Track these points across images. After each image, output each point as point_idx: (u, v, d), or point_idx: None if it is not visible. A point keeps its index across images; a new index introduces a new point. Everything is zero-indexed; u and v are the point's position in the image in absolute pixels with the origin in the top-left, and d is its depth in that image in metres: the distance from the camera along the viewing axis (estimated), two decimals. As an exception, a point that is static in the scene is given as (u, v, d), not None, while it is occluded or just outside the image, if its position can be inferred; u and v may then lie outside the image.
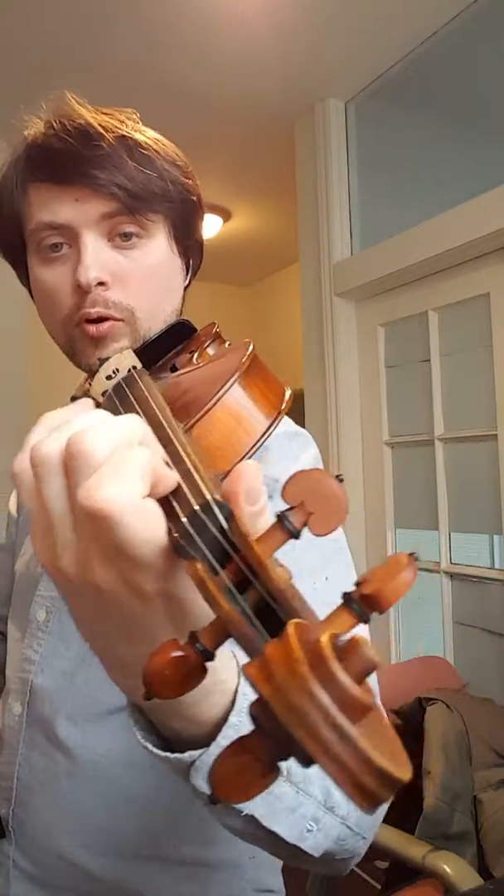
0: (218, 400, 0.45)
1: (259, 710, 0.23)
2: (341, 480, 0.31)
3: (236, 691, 0.41)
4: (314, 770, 0.42)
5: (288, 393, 0.50)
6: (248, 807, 0.43)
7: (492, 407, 2.29)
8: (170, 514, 0.32)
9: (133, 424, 0.35)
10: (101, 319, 0.66)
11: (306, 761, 0.21)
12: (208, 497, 0.31)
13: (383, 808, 0.46)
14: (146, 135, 0.70)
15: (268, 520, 0.31)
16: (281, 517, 0.30)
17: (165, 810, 0.68)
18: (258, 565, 0.28)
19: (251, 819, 0.43)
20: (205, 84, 2.65)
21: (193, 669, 0.27)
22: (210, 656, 0.28)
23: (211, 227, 3.88)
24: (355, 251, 2.81)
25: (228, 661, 0.41)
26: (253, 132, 3.01)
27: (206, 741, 0.40)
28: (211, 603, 0.27)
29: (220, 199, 3.71)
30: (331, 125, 2.81)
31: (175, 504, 0.31)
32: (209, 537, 0.30)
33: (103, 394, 0.58)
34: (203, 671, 0.28)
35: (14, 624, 0.78)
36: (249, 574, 0.28)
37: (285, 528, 0.29)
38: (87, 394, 0.79)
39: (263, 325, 4.74)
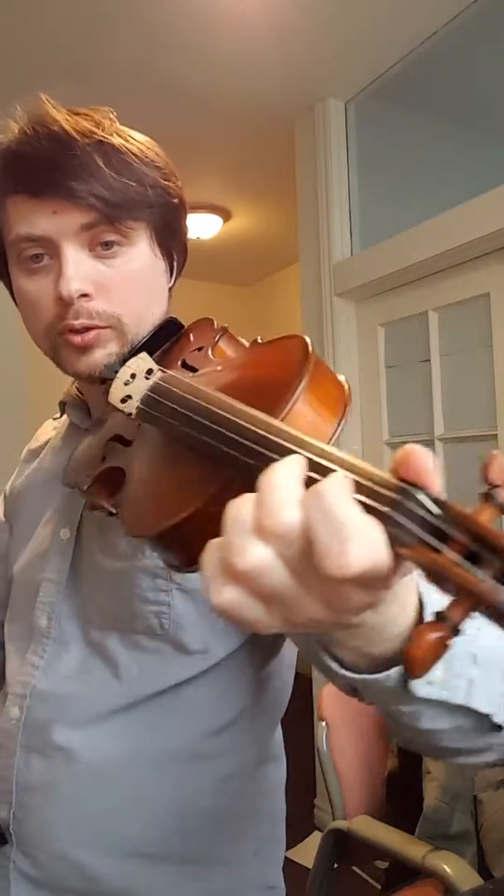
0: (297, 397, 0.42)
1: None
2: None
3: (421, 596, 0.43)
4: (487, 643, 0.47)
5: (348, 387, 0.47)
6: (454, 697, 0.46)
7: (492, 407, 2.29)
8: (371, 511, 0.31)
9: (343, 482, 0.33)
10: (85, 329, 0.65)
11: None
12: (401, 484, 0.31)
13: None
14: (123, 136, 0.68)
15: None
16: (488, 495, 0.32)
17: (168, 808, 0.69)
18: (495, 536, 0.29)
19: (459, 710, 0.47)
20: (205, 84, 2.65)
21: (447, 645, 0.30)
22: (459, 632, 0.29)
23: (211, 227, 3.88)
24: (355, 251, 2.81)
25: (409, 581, 0.42)
26: (253, 132, 3.01)
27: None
28: (456, 579, 0.28)
29: (220, 199, 3.71)
30: (331, 125, 2.81)
31: (371, 501, 0.31)
32: (420, 520, 0.31)
33: (123, 400, 0.56)
34: (448, 646, 0.30)
35: (13, 630, 0.78)
36: (482, 548, 0.29)
37: (495, 504, 0.31)
38: (73, 398, 0.80)
39: (263, 325, 4.74)
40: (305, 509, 0.31)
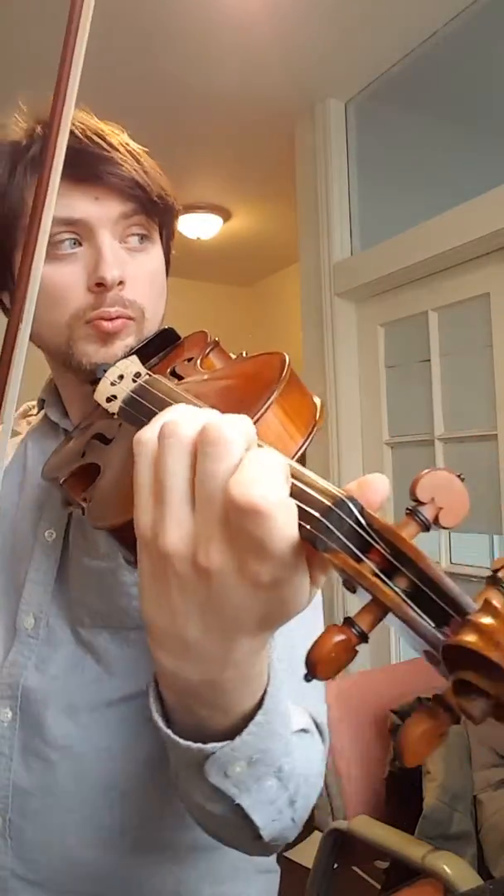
0: (267, 408, 0.44)
1: (477, 676, 0.27)
2: (463, 480, 0.34)
3: (266, 690, 0.43)
4: (298, 767, 0.46)
5: (319, 405, 0.50)
6: (241, 798, 0.46)
7: (492, 407, 2.29)
8: (301, 511, 0.33)
9: (251, 427, 0.36)
10: (118, 317, 0.67)
11: None
12: (340, 493, 0.33)
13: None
14: (137, 147, 0.72)
15: None
16: (414, 511, 0.33)
17: (166, 800, 0.69)
18: (414, 552, 0.31)
19: (237, 808, 0.47)
20: (205, 83, 2.65)
21: (351, 651, 0.30)
22: (366, 638, 0.30)
23: (211, 227, 3.88)
24: (355, 251, 2.81)
25: (266, 658, 0.43)
26: (253, 132, 3.01)
27: (227, 733, 0.43)
28: (370, 588, 0.30)
29: (220, 199, 3.71)
30: (331, 125, 2.81)
31: (303, 503, 0.33)
32: (347, 529, 0.32)
33: (108, 399, 0.59)
34: (356, 652, 0.30)
35: None
36: (399, 562, 0.31)
37: (418, 520, 0.33)
38: (50, 393, 0.80)
39: (263, 326, 4.74)
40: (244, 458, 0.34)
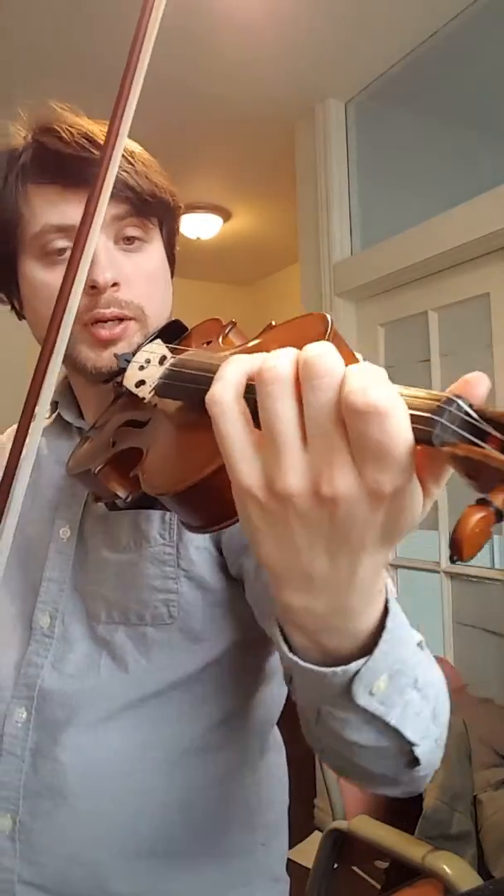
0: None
1: None
2: None
3: (387, 601, 0.43)
4: (429, 676, 0.49)
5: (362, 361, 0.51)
6: (390, 715, 0.46)
7: (492, 407, 2.29)
8: (413, 416, 0.34)
9: (338, 354, 0.36)
10: (115, 321, 0.68)
11: None
12: (447, 394, 0.34)
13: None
14: (136, 146, 0.72)
15: None
16: None
17: (179, 803, 0.69)
18: None
19: (388, 729, 0.47)
20: (205, 84, 2.65)
21: (488, 531, 0.31)
22: (502, 517, 0.31)
23: (211, 227, 3.88)
24: (355, 251, 2.81)
25: (385, 572, 0.43)
26: (253, 132, 3.01)
27: (360, 653, 0.43)
28: (496, 464, 0.31)
29: (220, 199, 3.71)
30: (331, 125, 2.81)
31: (414, 409, 0.34)
32: (461, 422, 0.33)
33: (138, 384, 0.60)
34: (490, 534, 0.31)
35: (4, 629, 0.77)
36: None
37: None
38: (65, 395, 0.80)
39: (263, 325, 4.73)
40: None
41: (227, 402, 0.37)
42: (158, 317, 0.72)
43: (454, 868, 1.39)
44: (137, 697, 0.68)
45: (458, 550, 0.31)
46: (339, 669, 0.43)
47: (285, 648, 0.45)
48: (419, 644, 0.51)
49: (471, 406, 0.34)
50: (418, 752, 0.49)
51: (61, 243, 0.67)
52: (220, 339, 0.63)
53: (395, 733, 0.47)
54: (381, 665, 0.43)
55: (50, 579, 0.74)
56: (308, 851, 1.75)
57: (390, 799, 1.74)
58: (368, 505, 0.35)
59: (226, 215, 3.87)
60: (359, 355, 0.50)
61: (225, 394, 0.37)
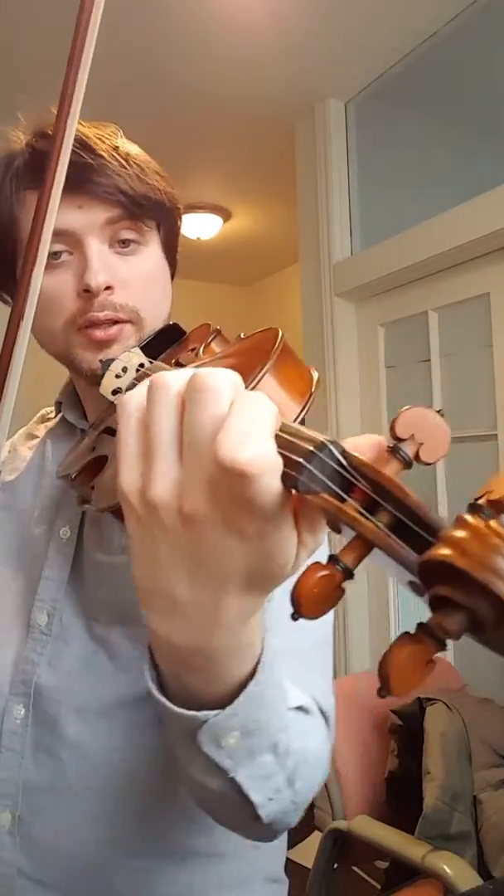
0: (262, 376, 0.45)
1: (450, 589, 0.27)
2: (443, 415, 0.34)
3: (259, 661, 0.43)
4: (295, 744, 0.46)
5: (316, 376, 0.51)
6: (235, 771, 0.46)
7: (492, 407, 2.29)
8: (286, 459, 0.34)
9: (237, 376, 0.36)
10: (109, 323, 0.68)
11: (498, 607, 0.26)
12: (322, 438, 0.33)
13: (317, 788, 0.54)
14: (133, 148, 0.72)
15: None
16: (395, 448, 0.33)
17: (178, 801, 0.69)
18: (394, 486, 0.31)
19: (232, 783, 0.47)
20: (205, 84, 2.65)
21: (336, 588, 0.30)
22: (351, 575, 0.31)
23: (211, 227, 3.88)
24: (355, 251, 2.81)
25: (258, 627, 0.43)
26: (253, 132, 3.01)
27: (220, 703, 0.43)
28: (353, 524, 0.30)
29: (220, 199, 3.71)
30: (331, 125, 2.81)
31: (288, 452, 0.34)
32: (330, 472, 0.32)
33: (114, 392, 0.60)
34: (342, 591, 0.31)
35: (3, 627, 0.77)
36: (380, 497, 0.31)
37: (399, 457, 0.33)
38: (67, 396, 0.81)
39: (263, 326, 4.72)
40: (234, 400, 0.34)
41: (129, 406, 0.38)
42: (155, 319, 0.71)
43: (454, 868, 1.39)
44: (132, 696, 0.68)
45: (296, 607, 0.31)
46: (188, 714, 0.43)
47: (148, 676, 0.46)
48: (299, 708, 0.52)
49: (343, 453, 0.33)
50: (262, 812, 0.49)
51: (56, 247, 0.67)
52: (203, 349, 0.63)
53: (240, 790, 0.47)
54: (232, 722, 0.44)
55: (48, 578, 0.74)
56: (308, 851, 1.75)
57: (390, 799, 1.74)
58: (230, 538, 0.35)
59: (226, 215, 3.87)
60: (314, 372, 0.50)
61: (132, 399, 0.38)
